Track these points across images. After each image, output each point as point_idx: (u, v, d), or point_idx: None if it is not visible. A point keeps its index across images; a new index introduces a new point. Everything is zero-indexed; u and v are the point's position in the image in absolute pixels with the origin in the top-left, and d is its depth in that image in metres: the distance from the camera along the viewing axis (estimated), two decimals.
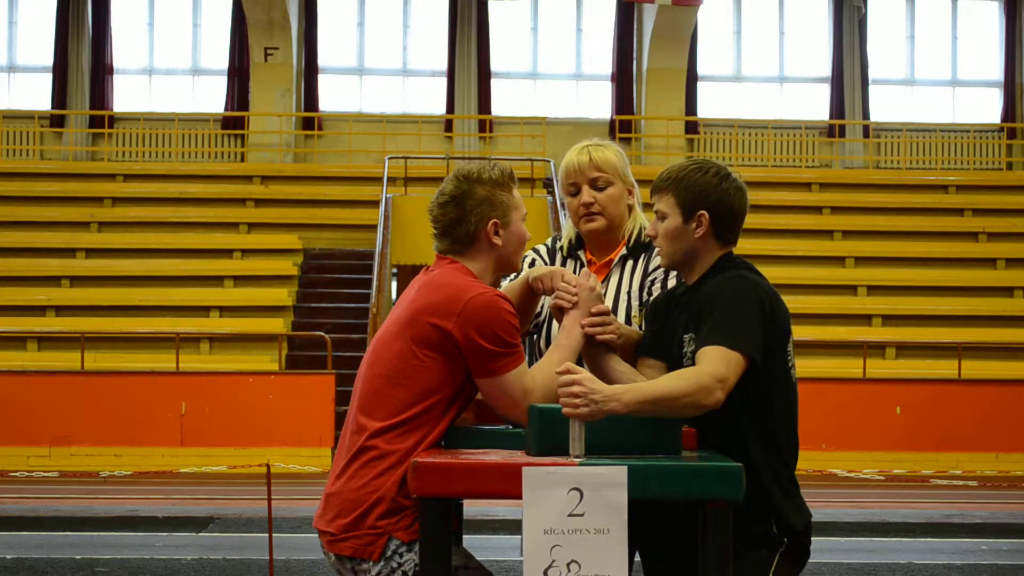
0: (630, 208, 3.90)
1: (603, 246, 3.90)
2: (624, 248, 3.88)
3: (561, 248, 3.99)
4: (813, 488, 12.93)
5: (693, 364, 3.27)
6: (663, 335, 3.52)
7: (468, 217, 3.47)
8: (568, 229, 3.98)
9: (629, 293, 3.81)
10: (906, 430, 16.06)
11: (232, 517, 10.98)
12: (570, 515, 2.94)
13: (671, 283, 3.76)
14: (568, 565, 2.94)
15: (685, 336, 3.42)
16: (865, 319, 19.23)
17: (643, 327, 3.72)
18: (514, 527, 2.87)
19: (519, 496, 2.93)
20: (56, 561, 8.93)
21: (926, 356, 18.10)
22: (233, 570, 8.52)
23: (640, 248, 3.87)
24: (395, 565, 3.27)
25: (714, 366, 3.19)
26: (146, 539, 10.00)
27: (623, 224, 3.88)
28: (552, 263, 3.99)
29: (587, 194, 3.83)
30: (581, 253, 3.94)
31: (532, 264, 4.01)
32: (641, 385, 3.15)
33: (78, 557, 9.13)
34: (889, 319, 19.15)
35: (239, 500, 12.03)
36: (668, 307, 3.55)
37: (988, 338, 18.47)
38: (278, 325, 18.20)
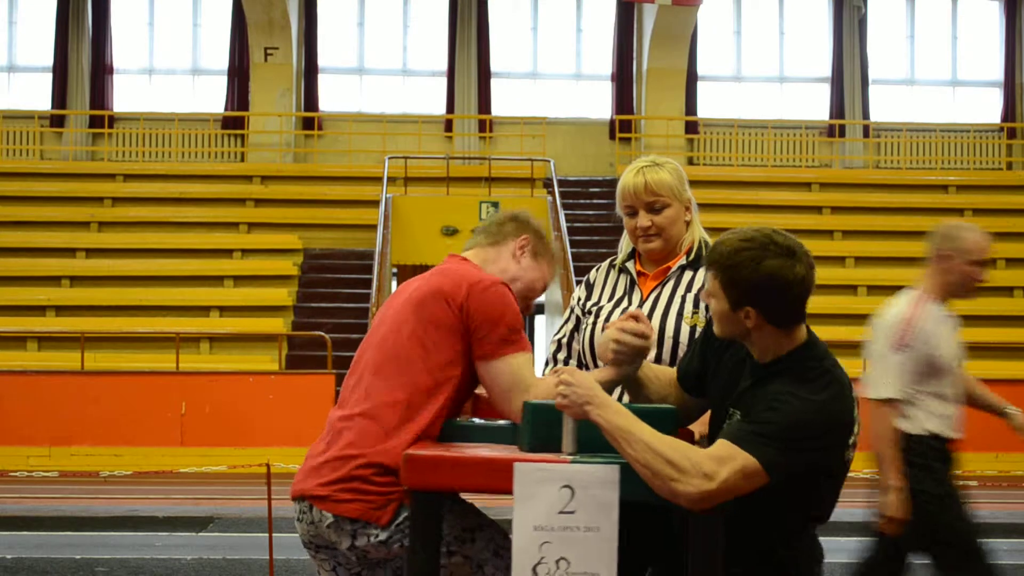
0: (688, 223, 3.90)
1: (660, 259, 3.90)
2: (684, 258, 3.86)
3: (614, 265, 4.00)
4: None
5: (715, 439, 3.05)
6: (702, 371, 3.36)
7: (509, 227, 3.69)
8: (624, 245, 3.98)
9: (684, 297, 3.79)
10: None
11: (232, 517, 10.99)
12: (561, 512, 2.93)
13: None
14: (557, 562, 2.94)
15: (731, 408, 3.19)
16: (865, 319, 19.20)
17: (694, 330, 3.73)
18: (506, 523, 2.87)
19: (510, 492, 2.93)
20: (56, 561, 8.93)
21: None
22: (233, 570, 8.52)
23: (700, 260, 3.84)
24: (406, 531, 3.26)
25: (716, 467, 2.90)
26: (146, 539, 10.01)
27: (680, 239, 3.88)
28: (604, 279, 4.00)
29: (644, 218, 3.83)
30: (630, 265, 3.94)
31: (578, 305, 4.04)
32: (631, 419, 2.95)
33: (78, 557, 9.13)
34: None
35: (239, 500, 12.04)
36: (726, 352, 3.32)
37: (988, 338, 18.47)
38: (278, 325, 18.20)
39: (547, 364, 4.01)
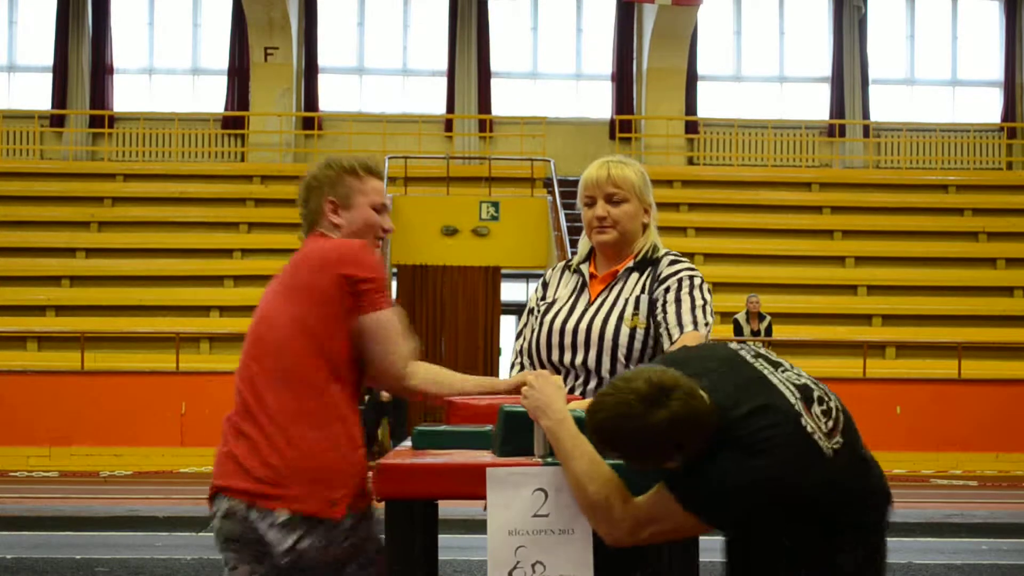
0: (645, 226, 3.91)
1: (612, 259, 3.92)
2: (632, 261, 3.88)
3: (570, 266, 4.02)
4: None
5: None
6: None
7: (311, 197, 3.59)
8: (583, 245, 4.01)
9: (627, 300, 3.81)
10: (906, 430, 16.06)
11: None
12: (535, 516, 2.91)
13: (687, 288, 3.76)
14: (533, 566, 2.91)
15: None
16: (865, 319, 19.22)
17: (634, 332, 3.74)
18: (484, 527, 2.85)
19: (484, 497, 2.91)
20: (56, 561, 8.93)
21: (926, 356, 18.09)
22: None
23: (647, 263, 3.87)
24: (345, 531, 3.26)
25: (647, 507, 2.87)
26: (146, 539, 10.00)
27: (635, 240, 3.89)
28: (559, 279, 4.01)
29: (601, 208, 3.85)
30: (584, 267, 3.96)
31: (543, 286, 4.05)
32: (575, 444, 2.91)
33: (78, 557, 9.12)
34: (889, 319, 19.14)
35: None
36: None
37: (988, 338, 18.46)
38: None
39: (512, 368, 4.02)
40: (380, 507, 3.13)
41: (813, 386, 3.04)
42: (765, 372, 2.99)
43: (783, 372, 3.03)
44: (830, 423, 2.99)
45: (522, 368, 3.97)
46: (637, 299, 3.79)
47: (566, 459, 2.91)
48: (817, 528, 2.96)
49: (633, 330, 3.76)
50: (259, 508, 3.28)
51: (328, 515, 3.25)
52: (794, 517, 2.91)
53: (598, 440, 2.87)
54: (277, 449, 3.30)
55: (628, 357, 3.74)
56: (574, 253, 4.10)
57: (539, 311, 3.95)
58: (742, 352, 3.05)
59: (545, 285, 4.04)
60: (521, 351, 3.98)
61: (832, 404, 3.05)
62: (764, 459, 2.84)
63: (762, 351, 3.09)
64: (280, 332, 3.39)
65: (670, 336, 3.68)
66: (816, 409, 2.98)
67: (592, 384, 3.75)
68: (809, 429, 2.92)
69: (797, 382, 3.02)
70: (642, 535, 2.87)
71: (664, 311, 3.73)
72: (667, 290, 3.77)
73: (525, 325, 4.01)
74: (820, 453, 2.92)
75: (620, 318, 3.77)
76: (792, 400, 2.94)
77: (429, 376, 3.40)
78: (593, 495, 2.87)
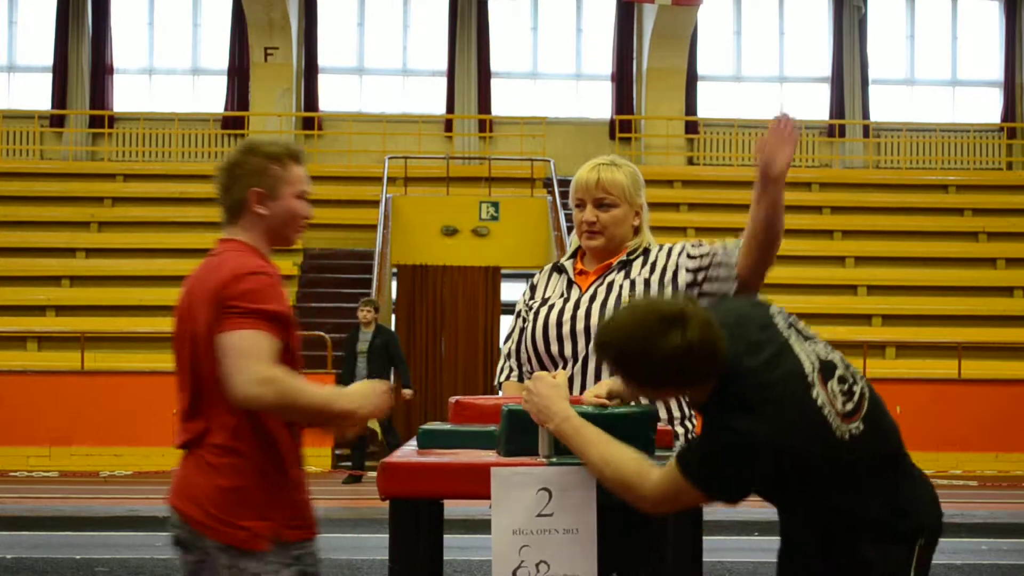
0: (637, 228, 3.90)
1: (601, 259, 3.92)
2: (625, 255, 3.88)
3: (556, 266, 4.02)
4: None
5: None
6: None
7: (235, 186, 3.53)
8: (572, 242, 4.02)
9: (621, 285, 3.79)
10: (906, 430, 15.77)
11: None
12: (539, 515, 2.91)
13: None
14: (537, 566, 2.92)
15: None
16: (865, 319, 19.22)
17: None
18: (490, 526, 2.84)
19: (488, 496, 2.91)
20: (56, 561, 8.93)
21: (926, 356, 18.10)
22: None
23: (639, 254, 3.87)
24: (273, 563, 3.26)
25: (666, 485, 2.90)
26: (146, 539, 9.99)
27: (625, 242, 3.88)
28: (547, 280, 4.01)
29: (590, 213, 3.85)
30: (568, 264, 3.96)
31: (531, 289, 4.04)
32: (589, 430, 2.96)
33: (78, 557, 9.12)
34: (889, 319, 19.14)
35: None
36: None
37: (988, 338, 18.46)
38: None
39: (500, 372, 4.01)
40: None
41: (840, 364, 3.03)
42: (791, 339, 2.99)
43: (811, 344, 3.03)
44: (849, 405, 2.96)
45: (511, 371, 3.96)
46: (632, 282, 3.79)
47: (579, 454, 2.94)
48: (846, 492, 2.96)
49: None
50: (192, 531, 3.32)
51: (248, 546, 3.25)
52: (813, 480, 2.92)
53: (604, 355, 2.91)
54: (204, 475, 3.31)
55: None
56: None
57: (529, 311, 3.94)
58: (776, 317, 3.05)
59: (533, 288, 4.03)
60: (510, 353, 3.97)
61: (858, 389, 3.02)
62: (762, 418, 2.83)
63: (798, 323, 3.09)
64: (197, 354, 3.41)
65: (726, 249, 3.76)
66: (834, 385, 2.96)
67: (591, 372, 3.74)
68: (819, 402, 2.90)
69: (823, 356, 3.01)
70: (666, 509, 2.93)
71: (691, 254, 3.78)
72: (680, 252, 3.82)
73: (513, 328, 4.00)
74: (828, 428, 2.90)
75: (618, 300, 3.76)
76: (807, 370, 2.93)
77: (284, 401, 3.21)
78: (611, 479, 2.91)
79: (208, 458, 3.32)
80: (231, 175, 3.52)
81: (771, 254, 3.74)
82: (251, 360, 3.21)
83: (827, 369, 2.98)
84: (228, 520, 3.26)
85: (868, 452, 2.97)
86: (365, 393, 3.33)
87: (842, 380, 2.99)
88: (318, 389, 3.28)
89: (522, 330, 3.93)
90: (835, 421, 2.91)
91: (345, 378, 14.33)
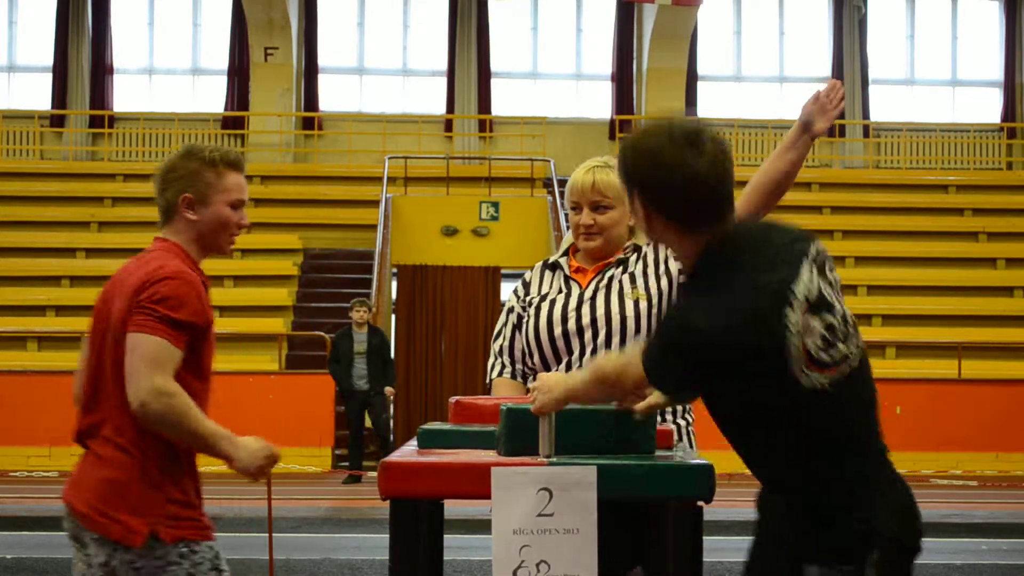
0: (632, 228, 3.91)
1: (598, 259, 3.93)
2: (622, 253, 3.90)
3: (548, 264, 4.02)
4: None
5: None
6: None
7: (168, 189, 3.55)
8: (565, 241, 4.03)
9: (621, 280, 3.82)
10: (906, 430, 16.05)
11: (232, 517, 10.98)
12: (539, 515, 2.90)
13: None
14: (538, 565, 2.91)
15: None
16: (865, 319, 19.22)
17: (637, 304, 3.75)
18: (489, 527, 2.84)
19: (489, 496, 2.91)
20: (56, 561, 8.92)
21: (926, 356, 18.10)
22: (233, 570, 8.47)
23: (631, 253, 3.89)
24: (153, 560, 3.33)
25: (639, 371, 2.85)
26: None
27: (622, 243, 3.91)
28: (541, 277, 4.01)
29: (587, 216, 3.86)
30: (563, 261, 3.96)
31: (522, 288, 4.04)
32: (583, 374, 2.98)
33: None
34: (889, 319, 19.14)
35: (239, 500, 12.02)
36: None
37: (988, 338, 18.46)
38: (278, 325, 18.19)
39: (491, 369, 4.00)
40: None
41: (841, 318, 2.88)
42: (805, 263, 2.85)
43: (826, 284, 2.89)
44: (824, 356, 2.77)
45: (503, 368, 3.95)
46: (632, 275, 3.81)
47: (590, 390, 2.94)
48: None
49: (636, 302, 3.77)
50: (78, 523, 3.41)
51: (128, 542, 3.32)
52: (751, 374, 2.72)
53: (621, 155, 2.86)
54: (92, 467, 3.46)
55: (637, 331, 3.74)
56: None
57: (525, 308, 3.93)
58: (813, 246, 2.92)
59: (526, 284, 4.02)
60: (502, 350, 3.96)
61: (845, 352, 2.84)
62: (717, 306, 2.70)
63: (830, 266, 2.96)
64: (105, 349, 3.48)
65: None
66: (817, 323, 2.80)
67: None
68: (789, 321, 2.74)
69: (824, 293, 2.87)
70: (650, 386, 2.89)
71: None
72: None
73: (504, 324, 3.99)
74: (786, 354, 2.71)
75: (620, 294, 3.78)
76: (798, 291, 2.78)
77: (169, 418, 3.33)
78: (613, 376, 2.89)
79: (98, 450, 3.50)
80: (165, 178, 3.55)
81: (773, 205, 3.81)
82: (151, 367, 3.29)
83: (821, 307, 2.83)
84: (105, 512, 3.35)
85: (828, 415, 2.77)
86: (253, 450, 3.45)
87: (831, 330, 2.83)
88: (207, 422, 3.39)
89: (515, 326, 3.93)
90: (797, 354, 2.73)
91: (343, 381, 14.30)
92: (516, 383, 3.91)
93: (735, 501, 11.65)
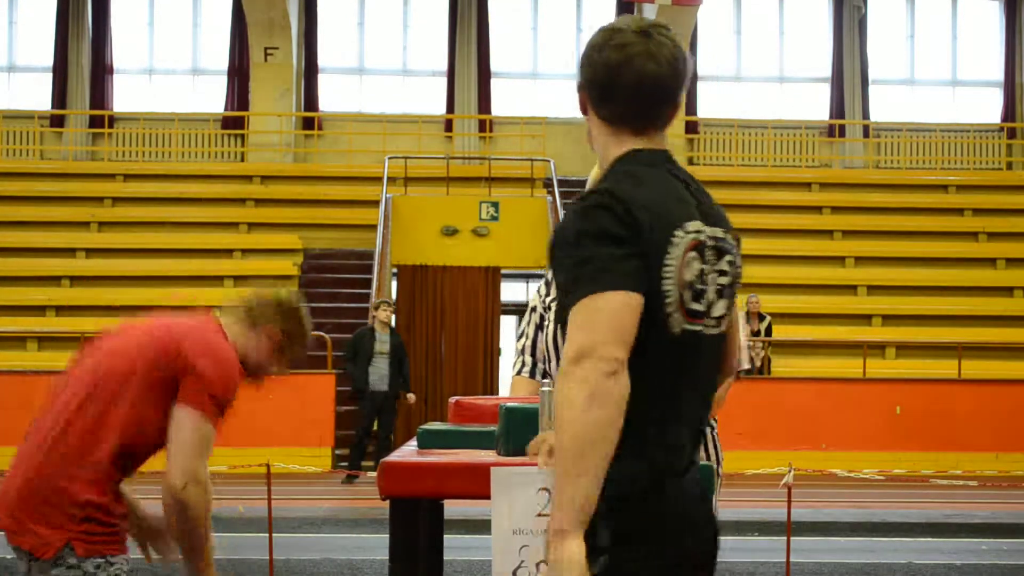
0: None
1: None
2: None
3: None
4: (813, 488, 12.93)
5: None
6: None
7: (265, 312, 3.75)
8: None
9: None
10: (906, 430, 16.05)
11: (232, 517, 10.97)
12: (539, 515, 2.91)
13: None
14: (537, 566, 2.92)
15: None
16: (865, 319, 19.22)
17: None
18: (489, 527, 2.81)
19: (488, 496, 2.91)
20: None
21: (926, 356, 18.10)
22: (233, 570, 8.50)
23: None
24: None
25: (567, 344, 2.37)
26: None
27: None
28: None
29: None
30: None
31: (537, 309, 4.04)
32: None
33: None
34: (889, 319, 19.14)
35: (239, 500, 12.02)
36: None
37: (988, 338, 18.46)
38: None
39: (513, 366, 4.01)
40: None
41: (731, 278, 2.59)
42: (706, 224, 2.55)
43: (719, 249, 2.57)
44: (696, 305, 2.48)
45: (523, 366, 3.96)
46: None
47: (567, 485, 2.33)
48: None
49: None
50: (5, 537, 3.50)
51: (37, 553, 3.40)
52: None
53: (579, 59, 2.57)
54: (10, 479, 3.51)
55: None
56: None
57: (547, 308, 3.94)
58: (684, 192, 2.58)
59: (548, 284, 4.03)
60: (524, 348, 3.97)
61: (721, 310, 2.55)
62: (587, 218, 2.43)
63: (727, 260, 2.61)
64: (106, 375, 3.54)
65: None
66: (695, 263, 2.48)
67: None
68: (672, 245, 2.45)
69: (720, 245, 2.56)
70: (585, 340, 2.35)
71: None
72: None
73: (528, 323, 4.00)
74: (658, 278, 2.42)
75: None
76: (690, 227, 2.50)
77: (192, 510, 3.50)
78: (577, 429, 2.32)
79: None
80: (269, 304, 3.76)
81: None
82: (200, 452, 3.44)
83: (714, 253, 2.54)
84: (25, 524, 3.42)
85: (671, 367, 2.46)
86: None
87: (722, 273, 2.55)
88: (211, 537, 3.63)
89: (538, 326, 3.93)
90: (671, 286, 2.44)
91: (359, 381, 14.22)
92: (533, 381, 3.93)
93: (735, 501, 11.66)
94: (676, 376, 2.47)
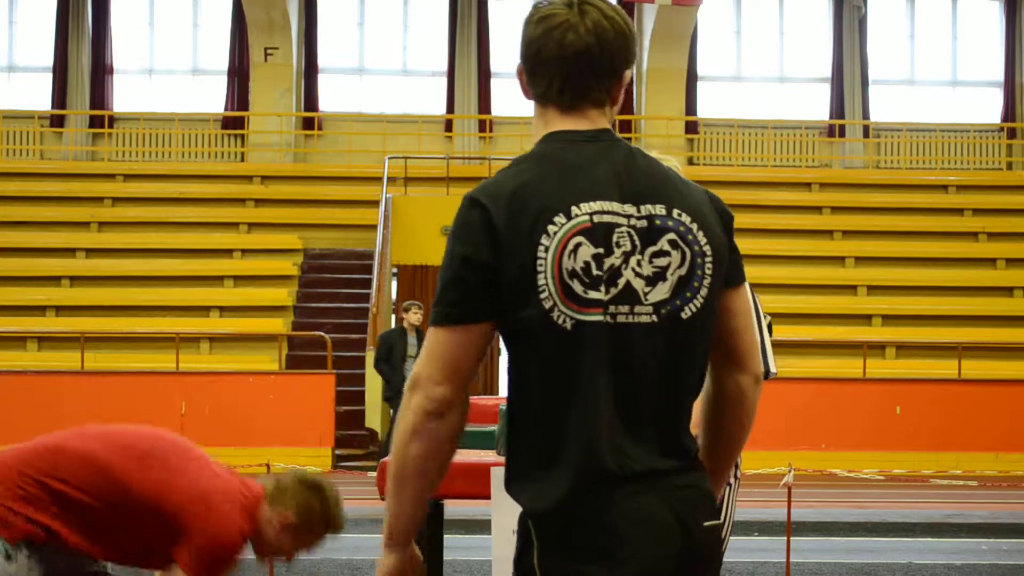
0: None
1: None
2: None
3: None
4: (813, 488, 12.93)
5: None
6: None
7: (290, 492, 3.90)
8: None
9: None
10: (906, 430, 16.05)
11: None
12: None
13: None
14: None
15: None
16: (865, 319, 19.22)
17: None
18: (489, 527, 2.80)
19: (488, 496, 2.90)
20: None
21: (926, 356, 18.10)
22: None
23: None
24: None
25: (418, 366, 2.35)
26: None
27: None
28: None
29: None
30: None
31: None
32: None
33: None
34: (889, 319, 19.14)
35: None
36: None
37: (988, 338, 18.46)
38: (278, 325, 18.19)
39: None
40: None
41: (675, 277, 2.32)
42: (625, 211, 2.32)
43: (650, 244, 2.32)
44: (602, 292, 2.28)
45: None
46: None
47: (400, 493, 2.39)
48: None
49: None
50: None
51: None
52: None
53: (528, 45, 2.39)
54: None
55: None
56: None
57: None
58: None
59: None
60: None
61: (661, 285, 2.32)
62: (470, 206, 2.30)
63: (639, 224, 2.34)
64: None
65: None
66: (587, 250, 2.28)
67: None
68: (556, 228, 2.26)
69: (650, 246, 2.32)
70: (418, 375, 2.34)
71: None
72: None
73: None
74: (533, 266, 2.26)
75: None
76: (576, 211, 2.29)
77: None
78: (404, 439, 2.34)
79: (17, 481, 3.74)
80: (299, 485, 3.90)
81: None
82: None
83: (640, 234, 2.32)
84: None
85: (575, 365, 2.28)
86: None
87: (661, 253, 2.32)
88: None
89: None
90: (545, 280, 2.26)
91: (395, 381, 13.84)
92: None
93: (735, 501, 11.65)
94: (587, 374, 2.26)
